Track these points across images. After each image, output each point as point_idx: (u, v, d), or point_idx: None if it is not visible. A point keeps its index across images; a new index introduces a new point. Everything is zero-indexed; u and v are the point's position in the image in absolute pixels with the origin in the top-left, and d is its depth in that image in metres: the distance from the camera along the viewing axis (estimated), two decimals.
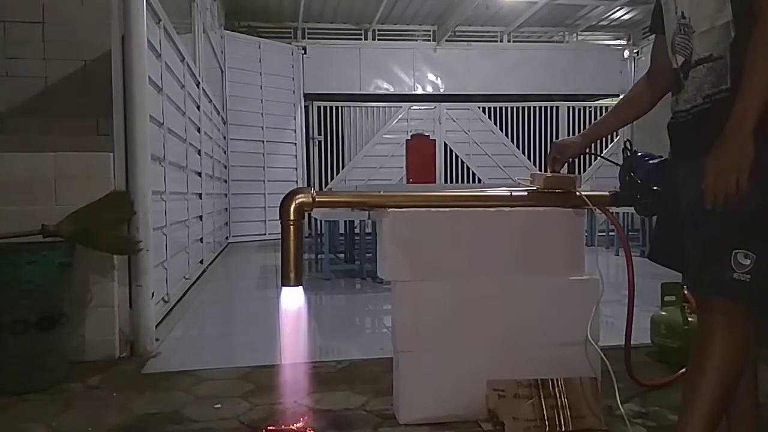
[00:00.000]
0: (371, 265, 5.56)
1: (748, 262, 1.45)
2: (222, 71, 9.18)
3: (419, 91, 10.87)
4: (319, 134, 10.78)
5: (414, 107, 10.93)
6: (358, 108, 10.90)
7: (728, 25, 1.50)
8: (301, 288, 2.08)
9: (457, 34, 10.81)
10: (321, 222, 6.32)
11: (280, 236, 2.07)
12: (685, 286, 2.46)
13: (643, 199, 2.05)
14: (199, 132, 6.14)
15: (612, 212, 2.42)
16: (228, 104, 9.30)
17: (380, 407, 2.33)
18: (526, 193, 2.29)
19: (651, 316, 2.97)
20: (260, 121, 9.86)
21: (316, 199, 2.11)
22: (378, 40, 10.90)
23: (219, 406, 2.40)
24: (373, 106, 10.93)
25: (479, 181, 10.89)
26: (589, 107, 11.29)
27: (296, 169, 10.42)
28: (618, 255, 7.26)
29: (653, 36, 1.86)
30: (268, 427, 2.18)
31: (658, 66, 1.82)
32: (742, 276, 1.46)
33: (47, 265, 2.63)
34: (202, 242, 6.09)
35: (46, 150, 2.98)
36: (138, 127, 3.12)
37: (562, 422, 2.10)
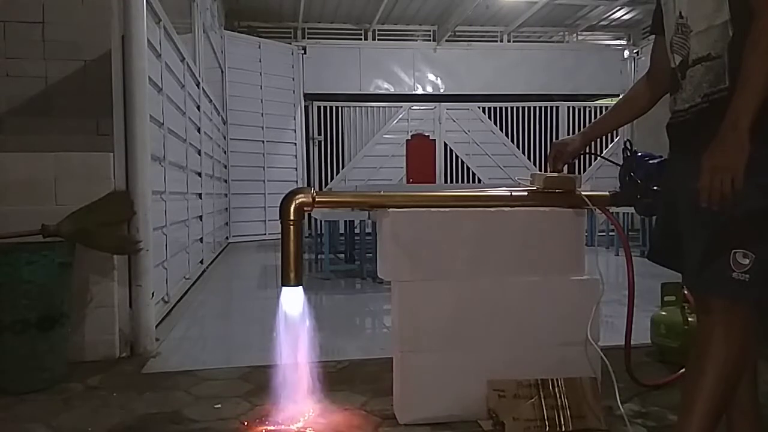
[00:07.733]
0: (371, 265, 5.56)
1: (747, 261, 1.45)
2: (222, 71, 9.18)
3: (419, 91, 10.88)
4: (319, 134, 10.78)
5: (414, 107, 10.94)
6: (358, 108, 10.90)
7: (726, 24, 1.50)
8: (301, 288, 2.08)
9: (457, 34, 10.81)
10: (321, 222, 6.32)
11: (280, 236, 2.08)
12: (684, 287, 2.46)
13: (643, 199, 2.05)
14: (199, 132, 6.14)
15: (612, 212, 2.42)
16: (228, 104, 9.31)
17: (380, 407, 2.33)
18: (526, 193, 2.29)
19: (651, 316, 2.97)
20: (260, 121, 9.86)
21: (316, 199, 2.12)
22: (378, 40, 10.90)
23: (219, 406, 2.40)
24: (373, 106, 10.94)
25: (479, 181, 10.89)
26: (589, 107, 11.29)
27: (296, 169, 10.43)
28: (618, 255, 7.26)
29: (653, 36, 1.86)
30: (268, 427, 2.18)
31: (657, 67, 1.83)
32: (741, 275, 1.45)
33: (47, 265, 2.63)
34: (202, 242, 6.09)
35: (46, 150, 2.98)
36: (138, 127, 3.12)
37: (562, 422, 2.10)
